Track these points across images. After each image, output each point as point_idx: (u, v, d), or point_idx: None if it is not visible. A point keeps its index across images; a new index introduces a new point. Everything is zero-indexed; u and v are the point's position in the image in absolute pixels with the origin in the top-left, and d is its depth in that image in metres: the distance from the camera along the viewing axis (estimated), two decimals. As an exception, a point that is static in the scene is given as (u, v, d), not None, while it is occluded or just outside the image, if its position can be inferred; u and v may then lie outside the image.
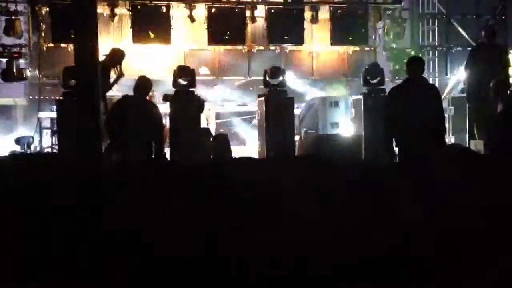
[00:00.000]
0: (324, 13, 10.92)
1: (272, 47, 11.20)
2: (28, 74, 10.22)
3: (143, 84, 7.06)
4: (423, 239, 3.02)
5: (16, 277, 2.80)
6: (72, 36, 5.32)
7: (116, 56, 7.75)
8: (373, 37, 11.32)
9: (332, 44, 11.07)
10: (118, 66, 7.69)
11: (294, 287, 2.81)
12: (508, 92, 6.62)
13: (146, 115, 6.78)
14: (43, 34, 10.44)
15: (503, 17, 11.85)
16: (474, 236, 3.03)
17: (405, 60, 6.75)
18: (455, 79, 11.07)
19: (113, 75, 7.69)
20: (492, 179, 3.39)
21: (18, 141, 9.43)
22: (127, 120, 6.68)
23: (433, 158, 3.99)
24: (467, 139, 8.01)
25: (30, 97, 10.91)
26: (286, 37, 10.68)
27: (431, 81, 13.13)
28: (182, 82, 7.76)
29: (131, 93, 7.09)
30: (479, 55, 7.88)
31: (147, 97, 7.33)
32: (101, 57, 6.15)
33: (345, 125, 9.09)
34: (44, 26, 10.39)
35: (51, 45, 10.43)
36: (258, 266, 2.83)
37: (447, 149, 5.78)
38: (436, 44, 12.85)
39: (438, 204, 3.20)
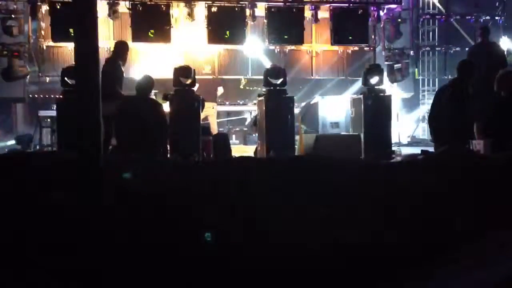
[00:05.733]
0: (324, 13, 10.93)
1: (271, 47, 11.22)
2: (28, 72, 10.23)
3: (145, 83, 7.19)
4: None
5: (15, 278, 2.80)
6: (72, 35, 5.31)
7: (122, 48, 7.89)
8: (373, 36, 11.34)
9: (332, 43, 11.07)
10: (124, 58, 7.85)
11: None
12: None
13: (149, 114, 6.85)
14: (42, 33, 10.45)
15: (502, 17, 11.89)
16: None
17: None
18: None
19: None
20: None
21: (18, 139, 9.44)
22: (130, 120, 6.76)
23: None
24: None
25: (30, 95, 10.92)
26: (286, 37, 10.68)
27: (430, 82, 13.21)
28: (182, 81, 7.76)
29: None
30: (477, 54, 7.97)
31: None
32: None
33: (345, 124, 9.09)
34: (43, 25, 10.40)
35: (51, 43, 10.44)
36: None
37: (448, 149, 5.79)
38: (436, 44, 12.86)
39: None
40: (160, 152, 7.00)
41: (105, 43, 10.38)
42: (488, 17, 11.98)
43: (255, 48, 11.25)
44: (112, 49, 8.52)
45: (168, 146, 7.51)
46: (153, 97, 7.68)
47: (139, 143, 6.50)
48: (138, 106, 6.95)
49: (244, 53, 11.49)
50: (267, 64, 10.43)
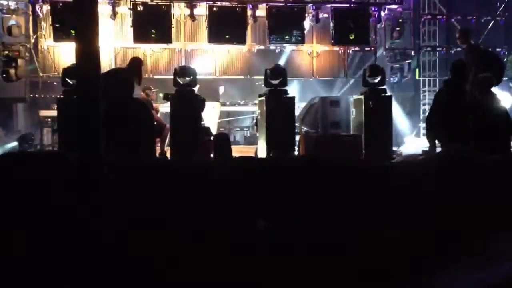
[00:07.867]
0: (324, 12, 10.94)
1: (272, 47, 11.21)
2: (29, 72, 10.24)
3: (126, 82, 6.87)
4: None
5: (16, 277, 2.80)
6: (73, 34, 5.33)
7: (136, 65, 7.65)
8: (374, 37, 11.34)
9: (333, 44, 11.07)
10: (138, 75, 7.59)
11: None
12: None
13: (131, 115, 6.60)
14: (44, 33, 10.46)
15: (503, 18, 11.88)
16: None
17: None
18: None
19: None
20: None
21: (19, 139, 9.46)
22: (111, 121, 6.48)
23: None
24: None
25: (31, 95, 10.93)
26: (286, 37, 10.68)
27: (431, 82, 13.20)
28: (182, 81, 7.76)
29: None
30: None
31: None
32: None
33: (346, 125, 9.08)
34: (45, 25, 10.41)
35: (51, 43, 10.45)
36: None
37: (448, 150, 5.80)
38: (437, 44, 12.85)
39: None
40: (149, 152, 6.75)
41: (106, 43, 10.38)
42: (489, 18, 11.97)
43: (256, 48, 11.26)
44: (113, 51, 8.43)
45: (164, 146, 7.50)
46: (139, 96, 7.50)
47: (124, 143, 6.22)
48: (123, 107, 6.65)
49: (244, 52, 11.48)
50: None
